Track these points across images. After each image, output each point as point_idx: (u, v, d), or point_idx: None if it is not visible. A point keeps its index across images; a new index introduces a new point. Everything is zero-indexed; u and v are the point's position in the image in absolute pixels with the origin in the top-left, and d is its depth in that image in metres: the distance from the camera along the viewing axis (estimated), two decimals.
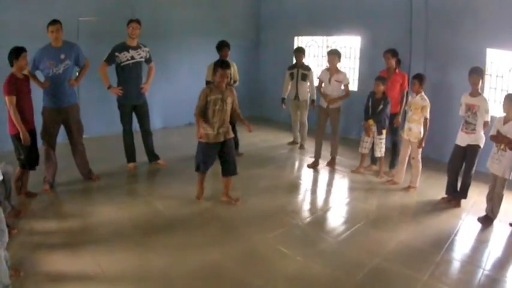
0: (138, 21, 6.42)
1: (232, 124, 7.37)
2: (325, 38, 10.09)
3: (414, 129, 5.99)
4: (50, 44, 5.61)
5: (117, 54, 6.34)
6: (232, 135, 5.42)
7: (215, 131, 5.18)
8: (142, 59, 6.62)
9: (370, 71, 8.37)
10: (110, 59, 6.37)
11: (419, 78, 6.00)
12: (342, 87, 6.91)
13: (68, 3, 7.97)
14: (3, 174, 4.40)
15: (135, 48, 6.50)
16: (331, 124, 7.11)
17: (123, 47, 6.41)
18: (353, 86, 9.16)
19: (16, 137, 5.13)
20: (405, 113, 6.33)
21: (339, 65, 6.96)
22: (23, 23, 7.32)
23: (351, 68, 9.50)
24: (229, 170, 5.39)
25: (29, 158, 5.29)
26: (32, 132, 5.30)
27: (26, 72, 5.31)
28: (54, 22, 5.51)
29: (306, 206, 5.64)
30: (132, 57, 6.44)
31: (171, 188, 5.97)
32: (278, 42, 11.14)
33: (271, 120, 10.98)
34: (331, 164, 7.09)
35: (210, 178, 5.70)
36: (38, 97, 5.62)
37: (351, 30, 9.21)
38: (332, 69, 6.91)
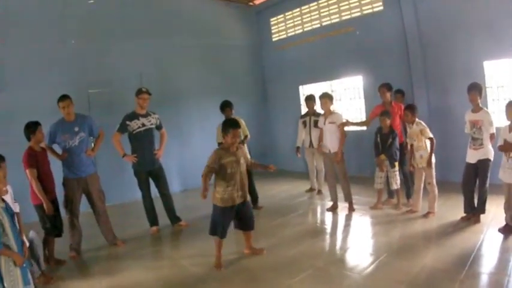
0: (148, 93, 6.61)
1: (249, 173, 7.54)
2: (328, 82, 10.31)
3: (424, 155, 6.04)
4: (63, 119, 5.78)
5: (128, 122, 6.51)
6: (248, 197, 5.27)
7: (234, 194, 4.95)
8: (153, 126, 6.73)
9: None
10: (122, 128, 6.54)
11: (410, 109, 6.17)
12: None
13: (77, 76, 8.33)
14: (31, 241, 4.58)
15: (145, 115, 6.66)
16: (337, 168, 7.01)
17: (134, 116, 6.59)
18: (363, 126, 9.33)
19: (40, 207, 5.24)
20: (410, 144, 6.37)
21: (332, 107, 7.01)
22: (34, 99, 7.59)
23: (357, 108, 9.68)
24: (247, 225, 5.26)
25: (54, 226, 5.40)
26: (54, 202, 5.42)
27: (43, 145, 5.49)
28: (64, 98, 5.70)
29: (328, 248, 5.56)
30: (143, 125, 6.59)
31: (195, 246, 5.87)
32: (284, 93, 11.45)
33: (285, 170, 10.95)
34: (350, 209, 6.94)
35: (231, 233, 5.66)
36: (58, 168, 5.82)
37: (353, 71, 9.47)
38: (326, 113, 6.99)
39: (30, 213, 5.31)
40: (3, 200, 3.48)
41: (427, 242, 5.28)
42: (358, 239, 5.70)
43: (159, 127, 6.88)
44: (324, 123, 7.00)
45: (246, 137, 7.45)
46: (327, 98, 6.96)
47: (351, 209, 6.93)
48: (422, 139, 6.06)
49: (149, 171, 6.74)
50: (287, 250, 5.40)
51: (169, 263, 5.42)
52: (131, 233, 6.76)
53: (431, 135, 6.03)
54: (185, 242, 6.33)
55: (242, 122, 7.37)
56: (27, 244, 4.10)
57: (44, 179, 5.29)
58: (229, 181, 4.93)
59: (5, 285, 3.34)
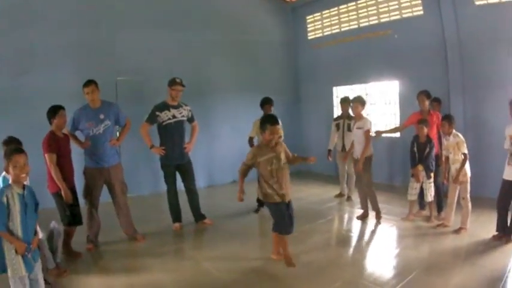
0: (182, 84, 6.39)
1: None
2: (363, 85, 10.14)
3: None
4: (88, 105, 5.59)
5: (158, 113, 6.31)
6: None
7: (279, 191, 4.79)
8: (184, 118, 6.53)
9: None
10: (152, 119, 6.34)
11: (448, 119, 5.98)
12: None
13: (105, 63, 8.30)
14: (51, 231, 4.63)
15: (177, 107, 6.44)
16: (361, 176, 6.85)
17: (164, 106, 6.37)
18: (396, 133, 9.18)
19: (58, 195, 5.08)
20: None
21: (363, 112, 6.85)
22: (61, 84, 7.60)
23: (392, 113, 9.51)
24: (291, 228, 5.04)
25: (73, 216, 5.24)
26: (72, 191, 5.23)
27: (65, 131, 5.33)
28: (89, 83, 5.49)
29: (357, 259, 5.36)
30: (174, 116, 6.37)
31: (219, 248, 5.65)
32: (317, 93, 11.31)
33: (315, 172, 10.95)
34: (378, 218, 6.79)
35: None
36: (78, 156, 5.68)
37: (389, 76, 9.27)
38: (356, 117, 6.87)
39: (47, 200, 5.09)
40: (24, 188, 3.45)
41: (458, 260, 5.13)
42: (388, 251, 5.54)
43: (190, 120, 6.68)
44: (353, 128, 6.89)
45: (280, 137, 7.37)
46: (358, 102, 6.81)
47: (378, 218, 6.78)
48: (458, 152, 5.89)
49: (177, 165, 6.56)
50: (315, 258, 5.26)
51: (191, 265, 5.18)
52: (152, 227, 6.59)
53: (465, 151, 5.85)
54: (208, 242, 6.16)
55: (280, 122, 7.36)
56: (41, 235, 4.05)
57: (64, 167, 5.12)
58: (271, 178, 4.79)
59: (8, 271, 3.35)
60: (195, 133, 6.76)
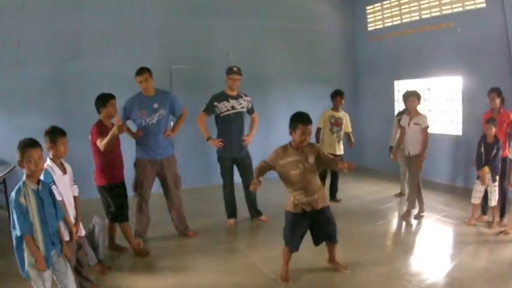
0: (239, 73, 6.17)
1: (334, 172, 7.40)
2: (425, 80, 9.77)
3: None
4: (141, 93, 5.41)
5: (216, 104, 6.13)
6: (328, 203, 4.56)
7: (303, 199, 4.32)
8: (244, 109, 6.32)
9: (474, 113, 8.08)
10: (209, 109, 6.18)
11: None
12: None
13: (160, 50, 8.34)
14: (94, 225, 4.63)
15: (236, 97, 6.25)
16: (412, 172, 6.72)
17: (223, 97, 6.19)
18: (457, 130, 8.89)
19: (104, 188, 4.93)
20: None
21: (418, 107, 6.66)
22: (112, 70, 7.58)
23: (453, 111, 9.13)
24: (325, 236, 4.58)
25: (119, 211, 5.03)
26: (122, 184, 5.09)
27: (114, 121, 4.89)
28: (142, 71, 5.28)
29: (420, 267, 5.01)
30: (233, 107, 6.19)
31: (276, 248, 4.98)
32: (377, 87, 10.99)
33: (373, 169, 10.66)
34: (405, 216, 6.73)
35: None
36: (129, 146, 5.51)
37: (452, 71, 8.87)
38: (412, 113, 6.64)
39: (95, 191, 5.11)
40: (39, 183, 3.26)
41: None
42: (447, 258, 5.32)
43: (250, 111, 6.48)
44: (409, 124, 6.66)
45: (348, 134, 7.43)
46: (415, 96, 6.61)
47: (407, 216, 6.76)
48: None
49: (235, 159, 6.38)
50: (376, 265, 4.97)
51: (245, 266, 4.95)
52: (205, 223, 6.47)
53: None
54: (265, 241, 5.88)
55: (347, 117, 7.43)
56: (83, 232, 4.05)
57: (112, 159, 4.94)
58: (294, 184, 4.32)
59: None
60: (255, 125, 6.58)
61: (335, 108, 7.53)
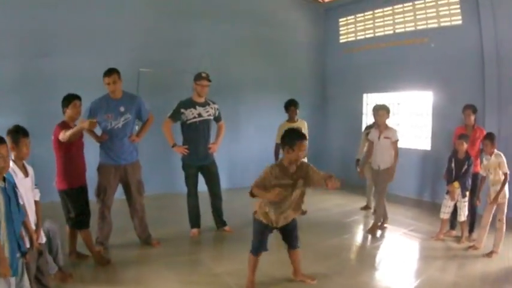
0: (208, 79, 5.98)
1: None
2: (394, 94, 9.75)
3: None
4: (108, 95, 5.18)
5: (183, 110, 5.93)
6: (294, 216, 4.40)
7: (280, 218, 4.24)
8: (211, 117, 6.15)
9: (443, 128, 8.14)
10: (175, 116, 5.98)
11: (490, 138, 5.62)
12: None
13: (129, 52, 8.05)
14: (48, 231, 4.20)
15: (203, 105, 6.06)
16: (379, 185, 6.64)
17: (190, 104, 6.00)
18: (426, 145, 8.90)
19: (65, 193, 4.67)
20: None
21: (387, 121, 6.61)
22: (80, 70, 7.33)
23: (422, 125, 9.14)
24: (289, 242, 4.48)
25: (80, 217, 4.76)
26: (83, 189, 4.84)
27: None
28: (111, 72, 5.05)
29: (388, 281, 4.86)
30: (200, 115, 6.00)
31: (242, 260, 4.79)
32: (346, 99, 10.92)
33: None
34: (373, 230, 6.60)
35: (280, 249, 5.21)
36: (92, 151, 5.24)
37: (423, 86, 8.89)
38: (381, 127, 6.57)
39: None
40: (4, 180, 3.05)
41: (483, 285, 4.80)
42: (415, 273, 5.20)
43: (217, 119, 6.30)
44: (379, 138, 6.56)
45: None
46: (385, 110, 6.56)
47: (374, 229, 6.63)
48: (499, 172, 5.54)
49: (200, 167, 6.18)
50: (345, 278, 4.82)
51: (210, 278, 4.71)
52: (168, 231, 6.25)
53: (507, 171, 5.52)
54: (229, 253, 5.71)
55: (305, 125, 7.13)
56: (44, 239, 3.78)
57: (75, 163, 4.73)
58: (277, 206, 4.19)
59: None
60: (222, 133, 6.39)
61: (290, 119, 7.25)
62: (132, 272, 4.78)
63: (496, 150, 5.62)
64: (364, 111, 10.55)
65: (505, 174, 5.51)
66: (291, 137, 4.07)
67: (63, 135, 4.45)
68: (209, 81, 6.03)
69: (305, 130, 6.95)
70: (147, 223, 5.68)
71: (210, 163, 6.26)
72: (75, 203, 4.74)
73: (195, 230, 6.25)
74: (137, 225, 5.61)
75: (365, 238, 6.65)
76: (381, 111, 6.57)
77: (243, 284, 4.42)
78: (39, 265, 3.61)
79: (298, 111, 7.17)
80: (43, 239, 3.76)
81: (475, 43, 7.83)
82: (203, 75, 6.01)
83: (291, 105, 7.12)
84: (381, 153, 6.55)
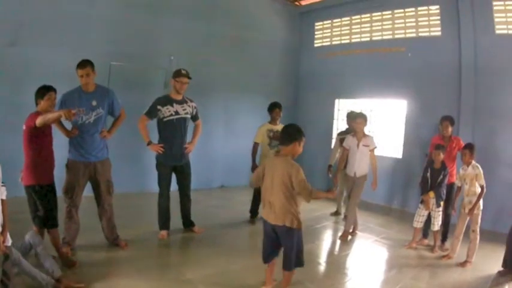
0: (188, 76, 5.82)
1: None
2: (368, 101, 9.78)
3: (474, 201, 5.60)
4: (81, 88, 4.94)
5: (159, 107, 5.74)
6: (291, 224, 3.97)
7: (267, 209, 4.06)
8: (188, 115, 5.97)
9: (416, 137, 8.23)
10: (151, 113, 5.75)
11: (470, 148, 5.67)
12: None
13: (101, 45, 7.75)
14: (30, 245, 3.96)
15: (181, 102, 5.88)
16: (353, 191, 6.63)
17: (167, 101, 5.82)
18: (397, 153, 8.94)
19: (33, 189, 4.39)
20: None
21: (365, 129, 6.67)
22: (51, 61, 7.04)
23: (395, 133, 9.15)
24: (283, 262, 4.13)
25: (48, 215, 4.50)
26: (51, 187, 4.56)
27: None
28: (84, 64, 4.82)
29: None
30: (177, 112, 5.81)
31: (211, 264, 4.99)
32: (318, 103, 10.86)
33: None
34: (344, 236, 6.57)
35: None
36: (61, 146, 4.93)
37: (397, 94, 8.93)
38: (359, 134, 6.59)
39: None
40: None
41: None
42: (390, 282, 5.10)
43: (194, 117, 6.13)
44: (358, 146, 6.56)
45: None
46: (363, 118, 6.59)
47: (345, 236, 6.61)
48: (474, 184, 5.59)
49: (174, 167, 6.00)
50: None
51: (181, 284, 4.50)
52: (136, 232, 6.00)
53: (483, 183, 5.55)
54: (200, 257, 5.41)
55: None
56: (9, 242, 3.56)
57: (44, 157, 4.47)
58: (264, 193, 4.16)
59: None
60: (198, 132, 6.23)
61: (273, 121, 7.10)
62: (99, 276, 4.44)
63: (473, 162, 5.66)
64: (335, 116, 10.53)
65: (482, 187, 5.56)
66: (300, 132, 4.05)
67: (41, 119, 4.16)
68: (189, 78, 5.87)
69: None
70: (115, 224, 5.46)
71: (184, 163, 6.10)
72: (44, 200, 4.48)
73: (164, 232, 6.05)
74: (105, 226, 5.39)
75: (337, 245, 6.58)
76: (359, 119, 6.59)
77: None
78: (5, 269, 3.42)
79: (281, 113, 7.11)
80: (9, 242, 3.55)
81: (453, 54, 7.92)
82: (183, 72, 5.84)
83: (275, 108, 7.02)
84: (359, 161, 6.55)
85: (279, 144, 4.10)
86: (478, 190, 5.59)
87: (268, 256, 4.22)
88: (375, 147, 6.59)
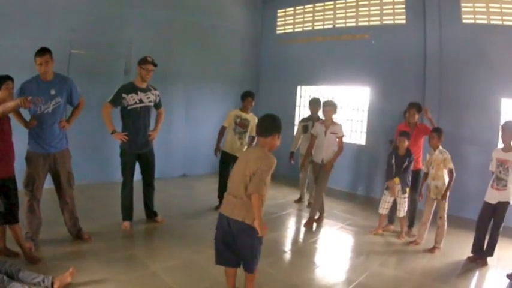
0: (154, 64, 5.71)
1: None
2: (331, 88, 9.74)
3: (441, 186, 5.61)
4: (39, 77, 4.72)
5: (124, 95, 5.57)
6: (247, 222, 3.44)
7: (231, 200, 3.58)
8: (152, 104, 5.87)
9: (379, 124, 8.24)
10: (116, 101, 5.59)
11: (438, 132, 5.72)
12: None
13: (60, 32, 7.34)
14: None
15: (145, 90, 5.76)
16: (320, 177, 6.58)
17: (132, 88, 5.67)
18: (361, 140, 8.96)
19: None
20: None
21: (334, 117, 6.62)
22: (9, 50, 6.65)
23: (358, 120, 9.18)
24: (243, 263, 3.70)
25: (9, 210, 4.28)
26: (12, 180, 4.36)
27: None
28: (43, 52, 4.61)
29: (333, 279, 4.73)
30: (141, 101, 5.69)
31: (176, 256, 4.88)
32: (280, 91, 10.73)
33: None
34: (309, 223, 6.52)
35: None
36: (20, 138, 4.64)
37: (360, 81, 8.92)
38: (327, 122, 6.56)
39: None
40: None
41: (429, 280, 4.82)
42: (357, 268, 5.06)
43: (158, 105, 6.03)
44: (325, 133, 6.50)
45: (253, 138, 6.96)
46: (332, 106, 6.55)
47: (310, 223, 6.55)
48: (441, 168, 5.61)
49: (138, 155, 5.88)
50: (287, 276, 4.67)
51: (147, 278, 4.33)
52: (98, 224, 5.80)
53: (452, 167, 5.59)
54: (164, 248, 5.24)
55: (255, 120, 6.83)
56: None
57: (4, 150, 4.25)
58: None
59: None
60: (161, 120, 6.15)
61: (244, 109, 7.09)
62: (63, 270, 4.05)
63: (441, 147, 5.68)
64: (297, 103, 10.47)
65: (451, 171, 5.59)
66: (279, 125, 3.61)
67: None
68: (155, 65, 5.74)
69: (254, 126, 6.76)
70: (77, 216, 5.25)
71: (148, 151, 6.00)
72: (4, 195, 4.25)
73: (126, 223, 5.88)
74: (67, 219, 5.18)
75: (302, 232, 6.49)
76: (328, 107, 6.55)
77: (182, 282, 4.22)
78: None
79: (253, 103, 7.11)
80: None
81: (418, 42, 7.96)
82: (149, 59, 5.70)
83: (248, 96, 7.02)
84: (326, 148, 6.52)
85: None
86: (445, 174, 5.63)
87: (220, 256, 3.72)
88: (343, 135, 6.56)
